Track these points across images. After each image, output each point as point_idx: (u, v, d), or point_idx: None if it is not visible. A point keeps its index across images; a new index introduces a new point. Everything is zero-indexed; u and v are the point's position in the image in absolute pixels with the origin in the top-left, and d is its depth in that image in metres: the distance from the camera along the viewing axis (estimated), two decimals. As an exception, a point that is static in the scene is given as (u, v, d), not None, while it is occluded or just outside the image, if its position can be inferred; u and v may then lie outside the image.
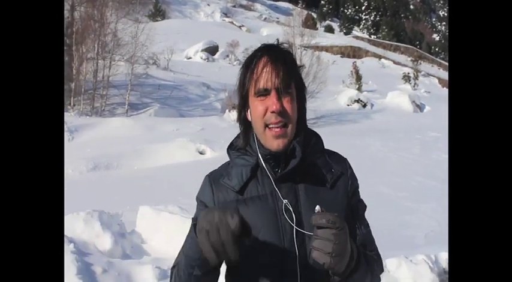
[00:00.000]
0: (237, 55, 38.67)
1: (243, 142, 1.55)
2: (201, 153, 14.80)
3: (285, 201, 1.43)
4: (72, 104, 22.51)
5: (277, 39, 1.56)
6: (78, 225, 4.52)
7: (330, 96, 28.17)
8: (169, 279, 1.52)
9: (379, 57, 48.96)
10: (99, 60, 23.91)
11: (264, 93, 1.44)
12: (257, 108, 1.45)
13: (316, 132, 1.58)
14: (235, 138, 1.59)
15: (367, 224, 1.56)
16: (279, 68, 1.44)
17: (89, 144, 15.97)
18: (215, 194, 1.51)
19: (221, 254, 1.24)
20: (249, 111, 1.51)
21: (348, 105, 28.26)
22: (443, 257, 4.29)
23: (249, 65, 1.48)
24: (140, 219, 4.93)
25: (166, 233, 4.63)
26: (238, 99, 1.54)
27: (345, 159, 1.60)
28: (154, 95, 25.00)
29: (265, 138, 1.46)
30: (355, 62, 34.35)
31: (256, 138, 1.51)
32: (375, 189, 9.91)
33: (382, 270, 1.52)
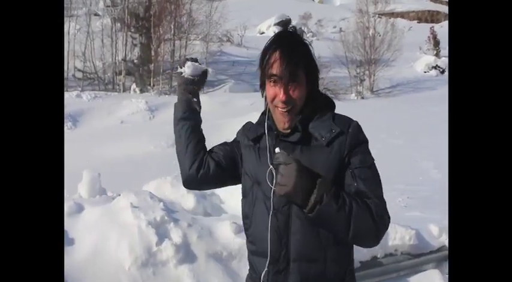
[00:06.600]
0: (310, 27, 38.39)
1: (263, 116, 1.86)
2: (275, 125, 15.11)
3: (277, 149, 1.63)
4: (152, 84, 23.61)
5: (294, 27, 1.90)
6: (166, 187, 5.18)
7: (406, 64, 27.44)
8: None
9: (460, 20, 46.59)
10: (176, 40, 24.82)
11: (275, 78, 1.70)
12: (269, 92, 1.74)
13: (329, 99, 1.83)
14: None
15: (367, 177, 1.68)
16: (287, 59, 1.68)
17: (169, 121, 16.60)
18: (241, 137, 1.93)
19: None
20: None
21: (425, 72, 27.42)
22: None
23: (266, 52, 1.75)
24: (219, 182, 5.37)
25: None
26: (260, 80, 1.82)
27: (350, 120, 1.75)
28: (229, 71, 25.51)
29: (274, 115, 1.76)
30: (432, 26, 32.99)
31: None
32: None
33: (377, 216, 1.60)
